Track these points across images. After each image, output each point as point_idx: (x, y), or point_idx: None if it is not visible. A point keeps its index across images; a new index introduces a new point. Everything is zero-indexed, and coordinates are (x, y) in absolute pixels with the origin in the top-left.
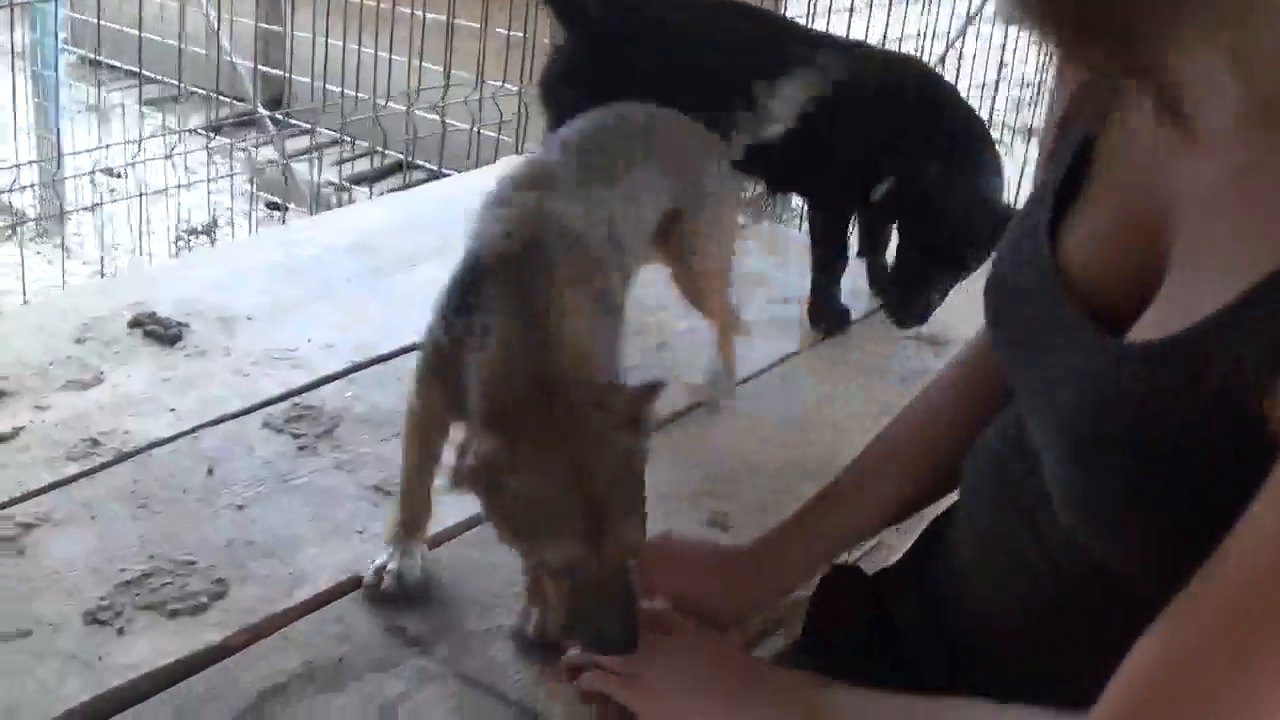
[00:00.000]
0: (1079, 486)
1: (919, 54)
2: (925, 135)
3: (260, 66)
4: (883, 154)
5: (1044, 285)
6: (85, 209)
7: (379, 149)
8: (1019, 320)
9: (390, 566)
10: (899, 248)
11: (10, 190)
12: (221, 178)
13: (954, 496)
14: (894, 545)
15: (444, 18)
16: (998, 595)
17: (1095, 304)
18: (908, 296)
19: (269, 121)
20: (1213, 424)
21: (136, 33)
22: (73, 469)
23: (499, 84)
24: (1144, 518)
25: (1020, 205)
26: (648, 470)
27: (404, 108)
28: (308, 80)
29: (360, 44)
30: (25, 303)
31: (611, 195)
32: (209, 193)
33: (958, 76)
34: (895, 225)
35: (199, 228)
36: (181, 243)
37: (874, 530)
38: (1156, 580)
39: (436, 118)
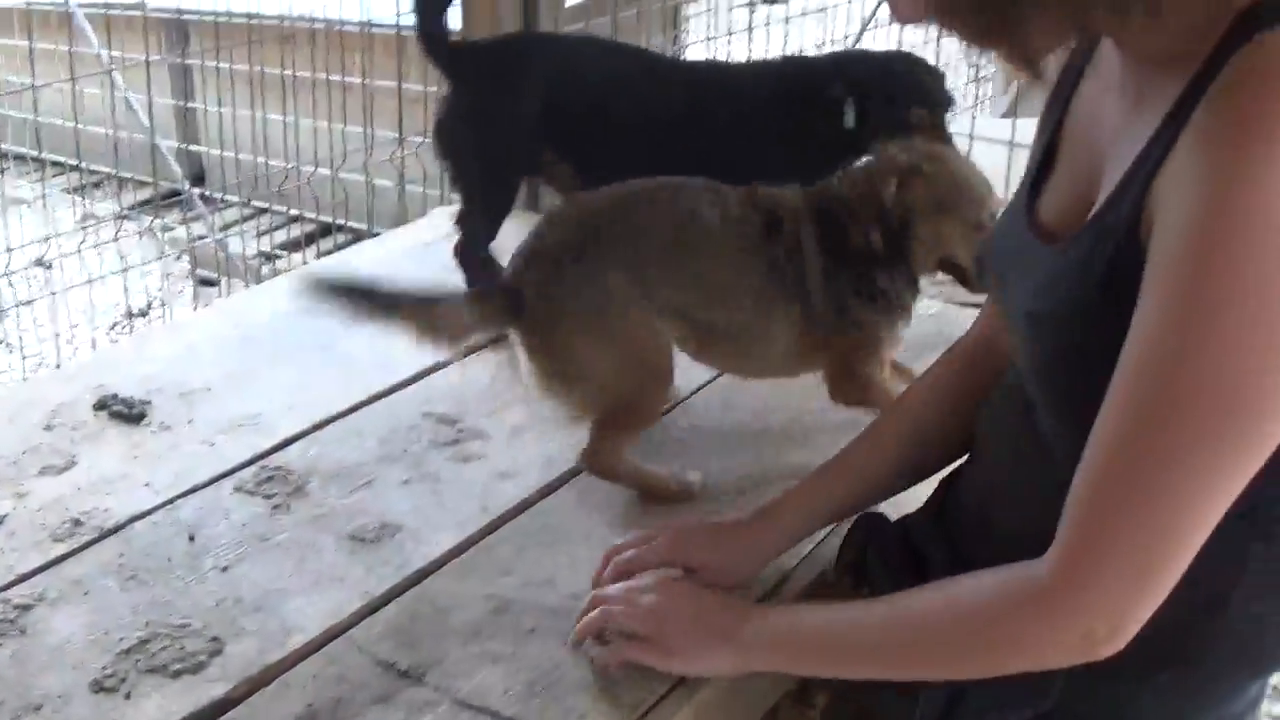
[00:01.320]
0: (1031, 357)
1: None
2: None
3: (176, 143)
4: None
5: (1020, 231)
6: (23, 304)
7: (302, 215)
8: (1004, 262)
9: None
10: None
11: None
12: (154, 260)
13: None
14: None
15: (351, 80)
16: (1020, 507)
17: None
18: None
19: (198, 199)
20: (1110, 286)
21: (33, 119)
22: (60, 549)
23: (420, 140)
24: (1082, 377)
25: None
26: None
27: (328, 172)
28: (219, 154)
29: (266, 111)
30: None
31: None
32: (139, 275)
33: None
34: None
35: (134, 311)
36: (118, 328)
37: (869, 501)
38: None
39: (363, 178)
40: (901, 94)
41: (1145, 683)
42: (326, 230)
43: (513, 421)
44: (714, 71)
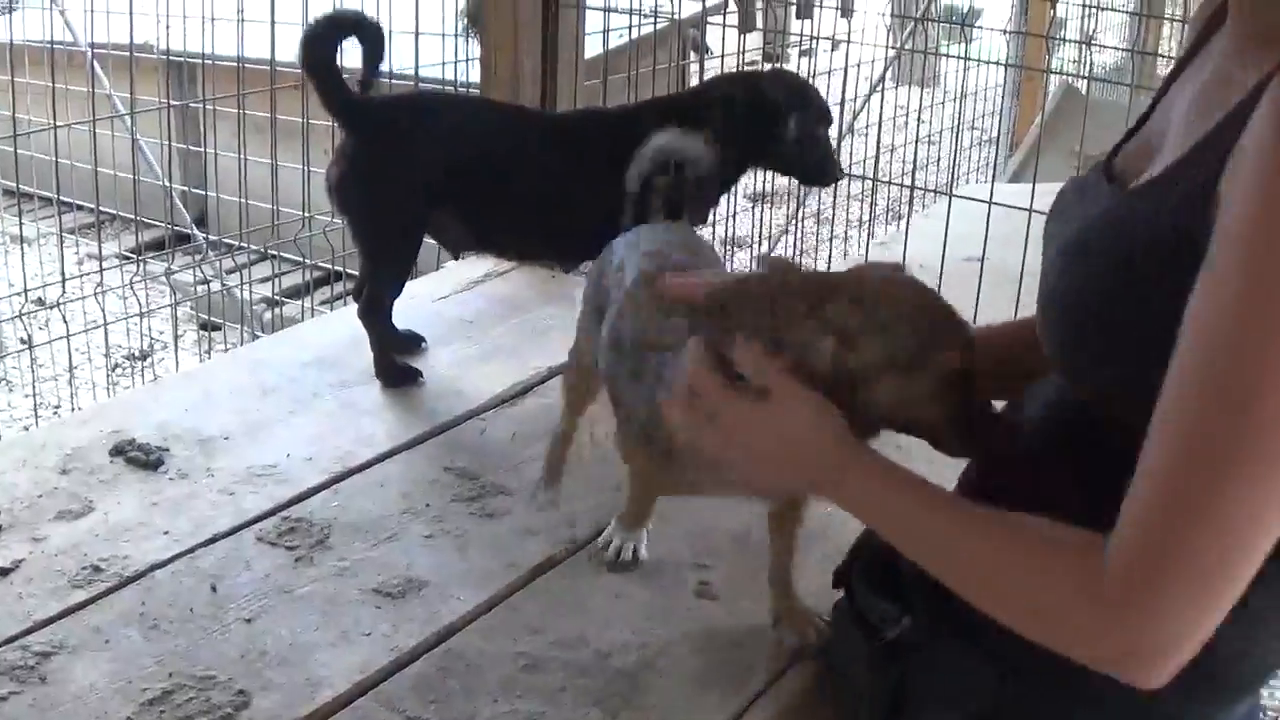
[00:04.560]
0: (1064, 288)
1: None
2: None
3: (182, 187)
4: None
5: (1093, 178)
6: (29, 345)
7: (313, 263)
8: (1065, 199)
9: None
10: None
11: None
12: (163, 307)
13: None
14: None
15: None
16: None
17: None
18: None
19: (204, 243)
20: (1173, 243)
21: (53, 159)
22: (80, 596)
23: None
24: (1113, 322)
25: None
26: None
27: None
28: (226, 199)
29: (277, 158)
30: None
31: None
32: (142, 317)
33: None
34: None
35: (135, 354)
36: (120, 370)
37: None
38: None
39: None
40: (778, 105)
41: (1084, 699)
42: (330, 277)
43: (534, 478)
44: (594, 117)
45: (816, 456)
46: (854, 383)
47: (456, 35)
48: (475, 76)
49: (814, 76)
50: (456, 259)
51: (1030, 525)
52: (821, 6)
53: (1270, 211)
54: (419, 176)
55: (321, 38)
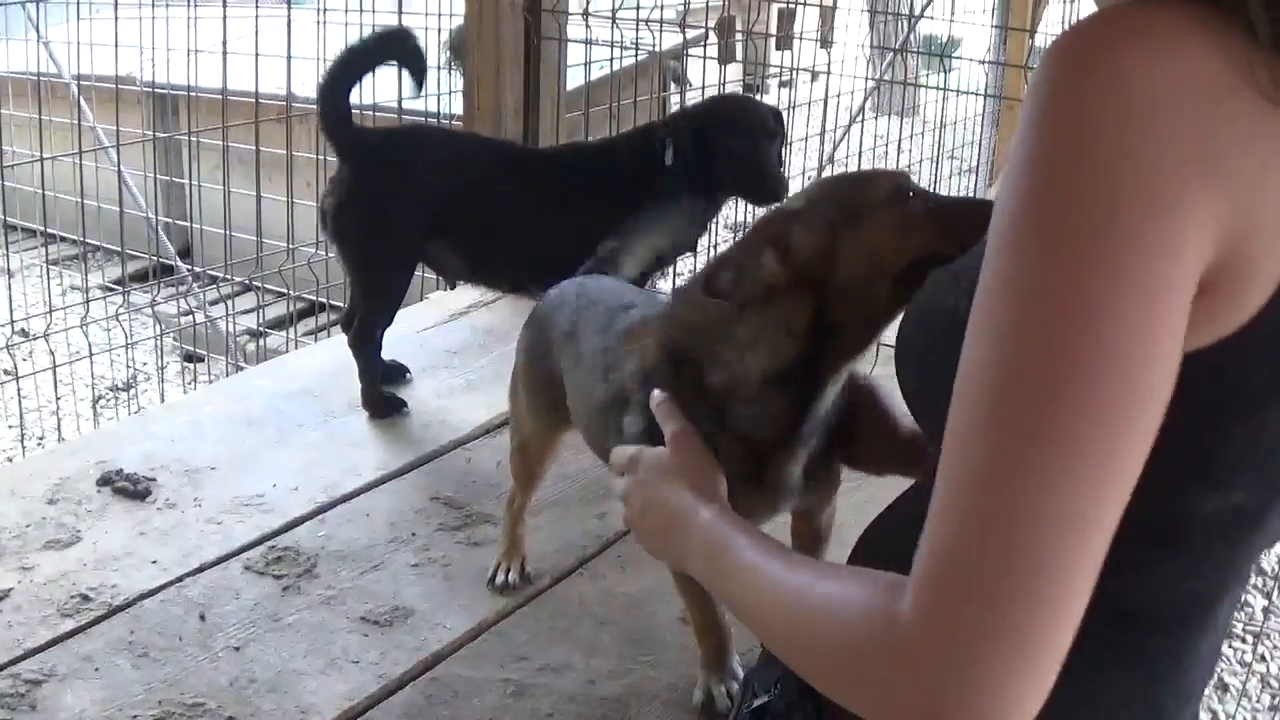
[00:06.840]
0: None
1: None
2: None
3: (165, 219)
4: None
5: None
6: (8, 376)
7: (298, 294)
8: None
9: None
10: None
11: None
12: (147, 338)
13: None
14: None
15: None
16: None
17: None
18: None
19: (188, 274)
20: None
21: (40, 192)
22: (69, 625)
23: None
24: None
25: None
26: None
27: (323, 254)
28: (210, 231)
29: (259, 190)
30: None
31: None
32: (126, 349)
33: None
34: None
35: (119, 385)
36: (104, 402)
37: None
38: None
39: None
40: (730, 124)
41: None
42: (313, 308)
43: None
44: (575, 151)
45: (669, 514)
46: (819, 274)
47: (439, 68)
48: (458, 108)
49: (794, 108)
50: (451, 288)
51: (837, 572)
52: (801, 38)
53: (1023, 208)
54: (414, 208)
55: (338, 81)
